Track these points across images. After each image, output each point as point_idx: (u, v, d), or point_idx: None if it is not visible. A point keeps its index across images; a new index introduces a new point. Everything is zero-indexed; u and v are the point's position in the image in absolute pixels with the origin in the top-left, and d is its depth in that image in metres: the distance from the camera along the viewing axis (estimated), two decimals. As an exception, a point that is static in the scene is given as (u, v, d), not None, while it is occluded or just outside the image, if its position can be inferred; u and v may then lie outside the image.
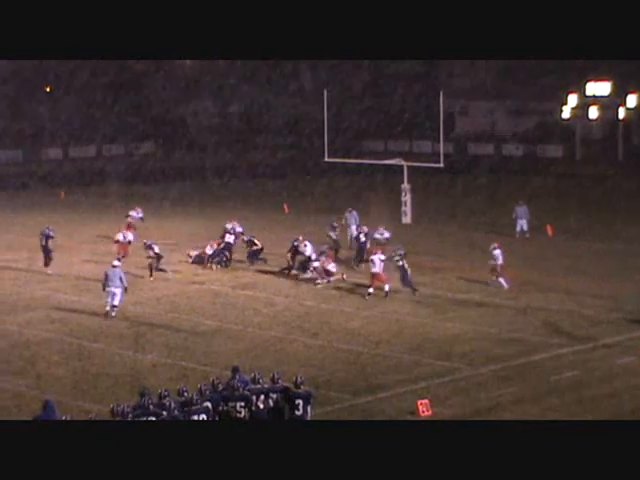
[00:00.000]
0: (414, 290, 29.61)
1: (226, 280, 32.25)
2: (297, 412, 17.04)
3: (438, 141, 45.07)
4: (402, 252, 30.48)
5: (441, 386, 21.57)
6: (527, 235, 39.26)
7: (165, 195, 53.14)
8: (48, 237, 33.52)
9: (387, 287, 29.46)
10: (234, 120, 79.56)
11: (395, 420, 18.86)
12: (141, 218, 39.41)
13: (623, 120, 66.94)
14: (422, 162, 46.34)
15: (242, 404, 16.98)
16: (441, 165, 44.18)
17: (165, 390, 16.82)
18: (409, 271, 29.95)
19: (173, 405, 16.42)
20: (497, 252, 30.94)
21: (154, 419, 15.94)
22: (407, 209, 43.31)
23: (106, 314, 27.29)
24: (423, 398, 19.89)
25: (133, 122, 74.83)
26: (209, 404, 16.67)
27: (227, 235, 34.64)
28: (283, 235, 37.83)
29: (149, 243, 32.93)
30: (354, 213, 38.02)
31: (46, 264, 33.18)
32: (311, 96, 69.79)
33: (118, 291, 27.47)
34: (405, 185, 43.73)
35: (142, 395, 16.69)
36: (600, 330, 25.75)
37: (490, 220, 43.52)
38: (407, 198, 43.54)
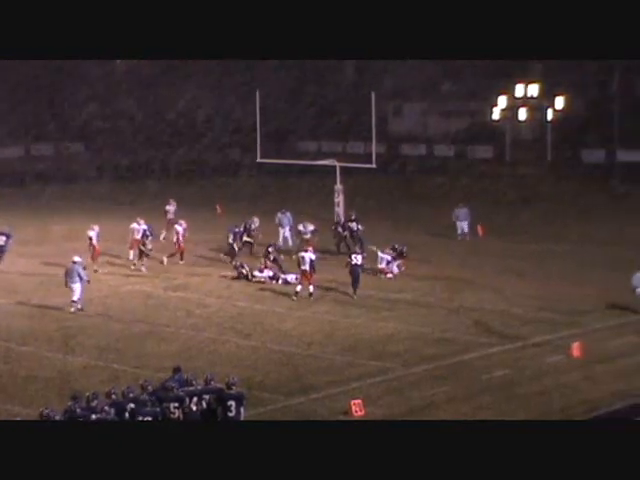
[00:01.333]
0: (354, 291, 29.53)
1: (158, 282, 31.98)
2: (229, 413, 16.98)
3: (370, 142, 45.20)
4: (360, 252, 30.77)
5: (374, 386, 21.61)
6: (467, 237, 39.43)
7: (96, 195, 52.64)
8: None
9: (311, 288, 29.18)
10: (165, 120, 78.95)
11: (328, 420, 18.85)
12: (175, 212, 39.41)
13: (552, 121, 67.84)
14: (355, 163, 46.46)
15: (176, 405, 16.88)
16: (374, 166, 44.34)
17: (93, 393, 16.62)
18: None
19: (106, 408, 16.25)
20: (304, 255, 29.89)
21: (82, 420, 15.76)
22: (340, 209, 43.38)
23: (78, 309, 27.55)
24: (356, 398, 19.92)
25: (63, 122, 73.92)
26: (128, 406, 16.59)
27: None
28: (216, 236, 37.65)
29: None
30: (287, 214, 38.03)
31: None
32: (243, 96, 69.53)
33: (76, 287, 27.52)
34: (338, 186, 43.82)
35: (74, 399, 16.50)
36: (530, 329, 26.04)
37: (422, 220, 43.84)
38: (340, 199, 43.64)
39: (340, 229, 36.84)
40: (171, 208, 39.49)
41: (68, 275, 27.87)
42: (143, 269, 33.03)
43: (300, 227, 36.41)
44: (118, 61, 76.79)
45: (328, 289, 30.27)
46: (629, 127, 62.54)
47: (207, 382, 17.48)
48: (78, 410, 16.09)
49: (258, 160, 46.61)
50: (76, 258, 28.42)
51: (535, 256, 36.04)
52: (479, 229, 40.24)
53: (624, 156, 62.07)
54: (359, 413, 19.51)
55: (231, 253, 34.33)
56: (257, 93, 45.86)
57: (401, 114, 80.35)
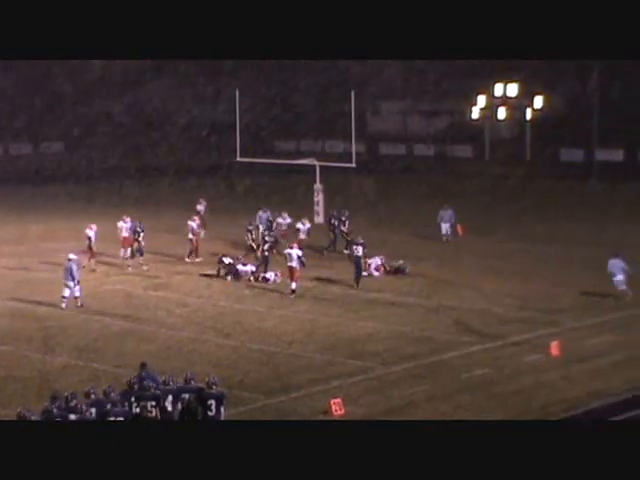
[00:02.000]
0: (356, 283, 30.38)
1: (138, 281, 31.92)
2: (210, 413, 16.98)
3: (350, 141, 45.29)
4: (362, 242, 31.34)
5: (354, 385, 21.67)
6: (449, 239, 39.19)
7: (74, 195, 52.45)
8: None
9: (294, 285, 29.48)
10: (146, 120, 78.72)
11: (308, 420, 18.89)
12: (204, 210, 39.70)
13: (530, 121, 68.11)
14: (334, 162, 46.54)
15: (153, 403, 16.85)
16: (353, 165, 44.43)
17: (72, 393, 16.57)
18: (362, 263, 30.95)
19: (85, 407, 16.21)
20: (290, 252, 30.22)
21: (60, 420, 15.72)
22: (320, 209, 43.45)
23: (81, 305, 28.10)
24: (336, 397, 19.97)
25: (43, 121, 73.58)
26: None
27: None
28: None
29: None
30: (268, 212, 38.01)
31: None
32: (222, 95, 69.51)
33: (70, 284, 27.93)
34: (318, 185, 43.87)
35: (53, 399, 16.44)
36: (509, 328, 26.16)
37: (401, 219, 43.93)
38: (319, 198, 43.69)
39: (336, 222, 36.75)
40: (202, 207, 39.74)
41: (65, 273, 28.24)
42: (129, 269, 33.02)
43: (279, 219, 36.55)
44: (97, 61, 76.42)
45: (309, 288, 30.34)
46: (607, 126, 62.89)
47: (187, 381, 17.47)
48: (55, 410, 16.05)
49: (237, 159, 46.63)
50: (71, 255, 28.64)
51: (514, 255, 36.17)
52: (459, 228, 40.32)
53: (602, 155, 62.42)
54: (339, 412, 19.56)
55: (252, 252, 33.79)
56: (237, 92, 45.87)
57: (379, 113, 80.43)
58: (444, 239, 38.98)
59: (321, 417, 19.37)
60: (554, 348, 23.68)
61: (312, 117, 74.49)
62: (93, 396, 16.75)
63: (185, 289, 30.81)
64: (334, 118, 67.42)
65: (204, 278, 32.19)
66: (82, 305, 28.07)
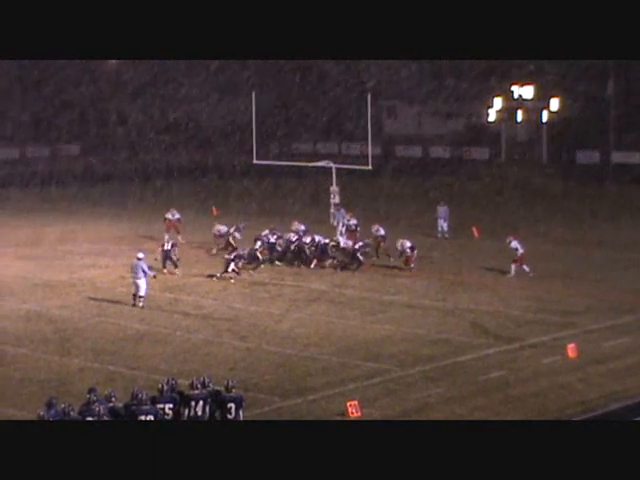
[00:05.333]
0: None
1: (153, 283, 31.89)
2: (229, 416, 16.93)
3: (366, 143, 45.24)
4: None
5: (370, 387, 21.64)
6: (446, 235, 39.36)
7: (91, 197, 52.56)
8: None
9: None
10: (161, 121, 78.88)
11: (324, 420, 18.83)
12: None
13: (547, 123, 67.93)
14: (351, 164, 46.49)
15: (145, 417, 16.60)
16: (369, 167, 44.37)
17: (94, 395, 16.56)
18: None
19: (102, 411, 16.18)
20: (514, 244, 32.57)
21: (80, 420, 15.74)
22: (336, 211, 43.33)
23: (133, 304, 28.30)
24: (352, 400, 19.93)
25: (58, 123, 73.82)
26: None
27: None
28: (211, 237, 37.61)
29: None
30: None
31: None
32: (239, 97, 69.54)
33: (141, 282, 28.33)
34: (334, 187, 43.82)
35: (49, 405, 16.35)
36: (526, 330, 26.08)
37: (416, 222, 43.82)
38: (336, 200, 43.62)
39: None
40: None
41: (133, 271, 28.62)
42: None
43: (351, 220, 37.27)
44: (113, 61, 76.65)
45: (324, 291, 30.30)
46: (624, 129, 62.66)
47: (204, 385, 17.33)
48: (72, 412, 16.05)
49: (254, 162, 46.64)
50: (140, 254, 29.08)
51: (530, 257, 36.02)
52: (474, 230, 40.25)
53: (618, 158, 62.17)
54: (355, 414, 19.52)
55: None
56: (253, 94, 45.90)
57: (395, 115, 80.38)
58: (438, 236, 39.34)
59: (337, 419, 19.31)
60: (571, 350, 23.58)
61: (329, 119, 74.42)
62: (114, 399, 16.74)
63: (201, 291, 30.82)
64: (350, 120, 67.46)
65: (218, 280, 32.15)
66: (143, 306, 28.18)
